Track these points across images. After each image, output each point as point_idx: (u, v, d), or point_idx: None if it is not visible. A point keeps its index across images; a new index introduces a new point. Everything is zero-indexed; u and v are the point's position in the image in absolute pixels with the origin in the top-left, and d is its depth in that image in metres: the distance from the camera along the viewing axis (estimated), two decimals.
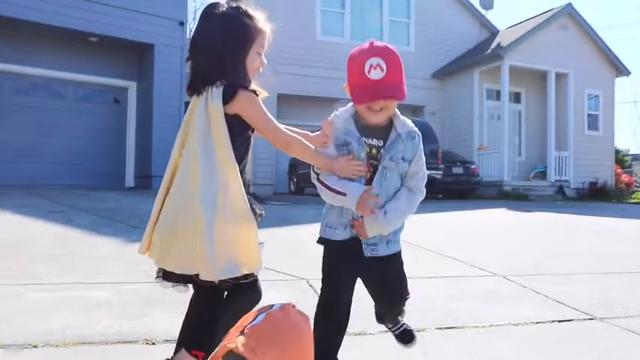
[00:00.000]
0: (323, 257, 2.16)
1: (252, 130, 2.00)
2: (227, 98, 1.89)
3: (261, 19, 2.02)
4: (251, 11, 2.01)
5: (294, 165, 14.59)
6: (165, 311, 3.06)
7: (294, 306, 1.40)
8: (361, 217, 2.03)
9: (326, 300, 2.15)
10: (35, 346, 2.46)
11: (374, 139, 2.08)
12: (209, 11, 1.98)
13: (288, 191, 15.43)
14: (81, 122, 11.75)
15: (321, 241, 2.15)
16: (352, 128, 2.06)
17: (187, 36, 13.79)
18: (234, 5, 1.99)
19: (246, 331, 1.21)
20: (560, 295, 3.82)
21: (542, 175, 17.06)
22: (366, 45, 2.03)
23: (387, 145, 2.06)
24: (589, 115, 17.98)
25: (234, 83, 1.91)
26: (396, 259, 2.16)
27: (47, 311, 2.98)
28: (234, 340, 1.20)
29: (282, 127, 2.02)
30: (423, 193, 2.15)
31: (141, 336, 2.65)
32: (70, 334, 2.62)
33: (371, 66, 1.95)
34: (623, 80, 19.06)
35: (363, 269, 2.12)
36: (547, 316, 3.30)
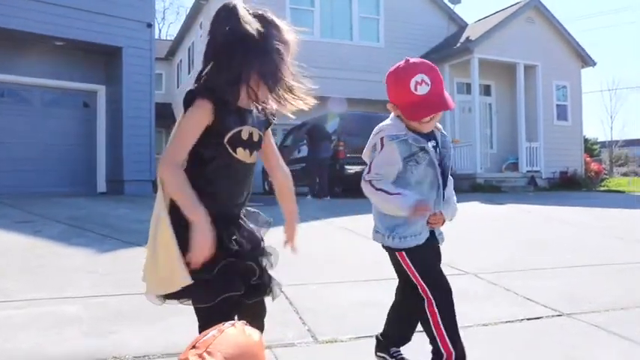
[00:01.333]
0: (413, 262, 2.25)
1: (236, 144, 1.83)
2: (185, 107, 1.78)
3: (285, 28, 1.88)
4: (277, 21, 1.86)
5: None
6: (135, 326, 3.03)
7: (245, 324, 1.40)
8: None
9: (441, 287, 2.25)
10: None
11: (430, 142, 2.26)
12: (226, 13, 1.79)
13: (262, 191, 15.37)
14: (50, 127, 11.55)
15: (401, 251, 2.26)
16: (416, 136, 2.21)
17: (155, 37, 13.63)
18: (259, 12, 1.83)
19: (197, 344, 1.20)
20: (530, 292, 3.88)
21: (514, 166, 17.28)
22: (403, 64, 2.17)
23: (442, 145, 2.29)
24: (558, 105, 18.25)
25: (202, 90, 1.77)
26: None
27: (16, 329, 2.94)
28: (185, 353, 1.19)
29: (175, 155, 1.75)
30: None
31: (110, 353, 2.62)
32: (39, 354, 2.59)
33: (416, 83, 2.12)
34: (589, 70, 19.39)
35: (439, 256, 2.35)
36: (517, 315, 3.36)
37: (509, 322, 3.24)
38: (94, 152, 12.09)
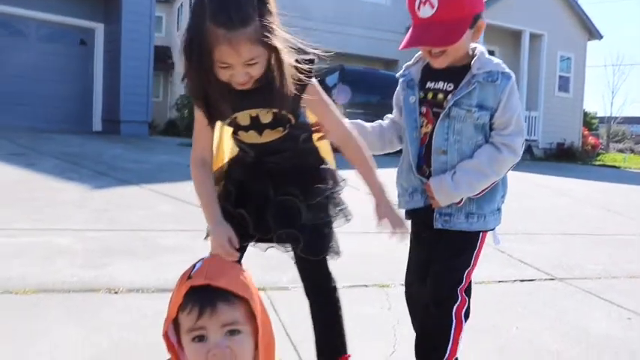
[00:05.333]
0: None
1: (236, 128, 1.66)
2: None
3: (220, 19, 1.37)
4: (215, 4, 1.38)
5: None
6: (128, 261, 3.02)
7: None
8: (428, 178, 1.71)
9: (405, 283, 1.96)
10: None
11: (441, 82, 1.72)
12: None
13: None
14: (45, 63, 11.28)
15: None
16: (414, 68, 1.79)
17: None
18: None
19: (192, 274, 1.16)
20: (523, 255, 3.90)
21: None
22: None
23: (460, 93, 1.66)
24: (560, 77, 18.09)
25: None
26: (472, 239, 1.74)
27: (7, 258, 2.92)
28: (185, 282, 1.14)
29: (194, 155, 1.64)
30: (513, 153, 1.68)
31: (104, 285, 2.61)
32: (31, 282, 2.57)
33: (420, 1, 1.63)
34: (594, 44, 19.18)
35: (431, 245, 1.77)
36: (509, 276, 3.37)
37: (502, 281, 3.26)
38: (90, 91, 11.88)
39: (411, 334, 2.14)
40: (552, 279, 3.42)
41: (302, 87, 1.55)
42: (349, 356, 1.76)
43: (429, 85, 1.75)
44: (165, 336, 1.18)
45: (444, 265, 1.74)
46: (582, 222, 5.72)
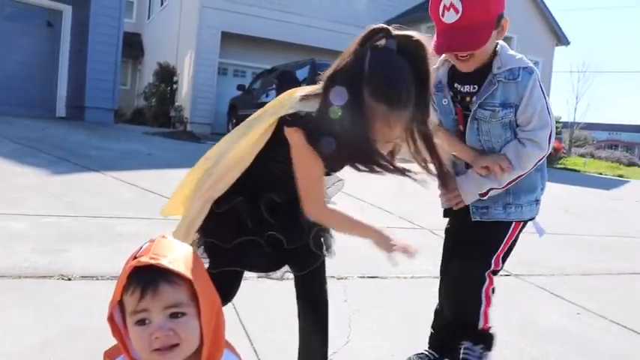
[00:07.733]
0: None
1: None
2: None
3: (395, 90, 1.28)
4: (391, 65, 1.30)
5: (235, 105, 14.29)
6: (84, 247, 2.97)
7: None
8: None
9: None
10: None
11: (467, 86, 1.76)
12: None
13: (227, 131, 15.13)
14: (9, 43, 10.94)
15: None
16: (440, 72, 1.80)
17: None
18: (383, 44, 1.31)
19: (138, 255, 1.13)
20: None
21: None
22: None
23: (481, 96, 1.71)
24: None
25: None
26: (504, 227, 1.83)
27: None
28: (130, 262, 1.11)
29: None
30: (537, 147, 1.74)
31: (57, 271, 2.56)
32: None
33: (444, 7, 1.62)
34: (562, 49, 19.55)
35: (464, 234, 1.88)
36: None
37: None
38: (54, 75, 11.59)
39: (365, 326, 2.17)
40: (508, 275, 3.49)
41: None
42: None
43: (457, 86, 1.79)
44: (111, 319, 1.15)
45: (472, 248, 1.84)
46: (545, 221, 5.81)
